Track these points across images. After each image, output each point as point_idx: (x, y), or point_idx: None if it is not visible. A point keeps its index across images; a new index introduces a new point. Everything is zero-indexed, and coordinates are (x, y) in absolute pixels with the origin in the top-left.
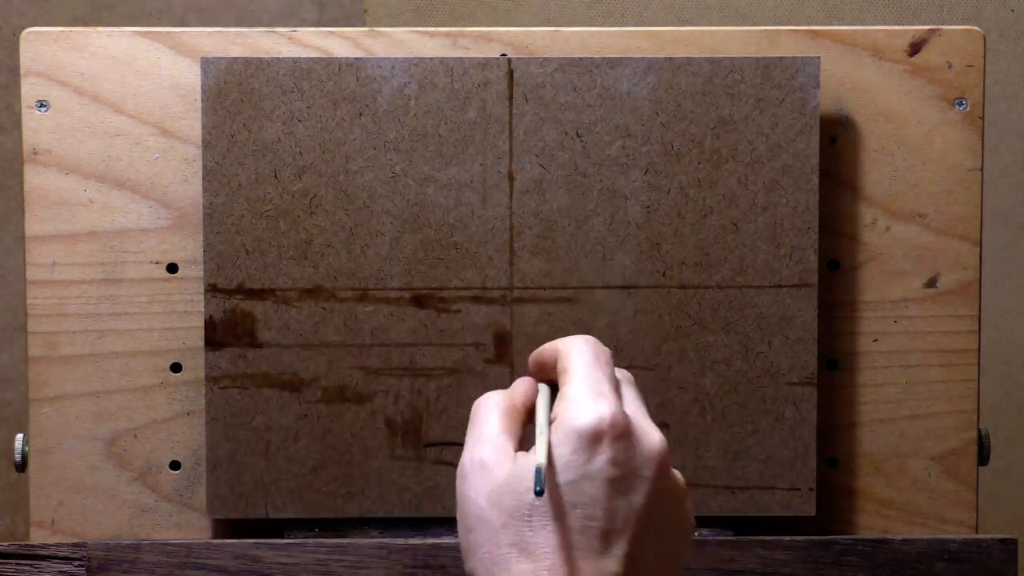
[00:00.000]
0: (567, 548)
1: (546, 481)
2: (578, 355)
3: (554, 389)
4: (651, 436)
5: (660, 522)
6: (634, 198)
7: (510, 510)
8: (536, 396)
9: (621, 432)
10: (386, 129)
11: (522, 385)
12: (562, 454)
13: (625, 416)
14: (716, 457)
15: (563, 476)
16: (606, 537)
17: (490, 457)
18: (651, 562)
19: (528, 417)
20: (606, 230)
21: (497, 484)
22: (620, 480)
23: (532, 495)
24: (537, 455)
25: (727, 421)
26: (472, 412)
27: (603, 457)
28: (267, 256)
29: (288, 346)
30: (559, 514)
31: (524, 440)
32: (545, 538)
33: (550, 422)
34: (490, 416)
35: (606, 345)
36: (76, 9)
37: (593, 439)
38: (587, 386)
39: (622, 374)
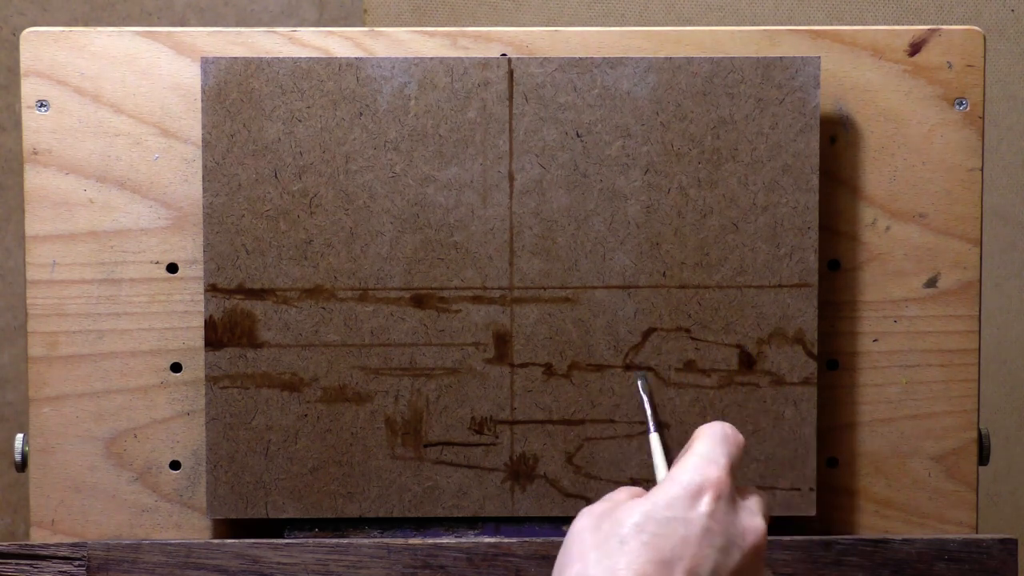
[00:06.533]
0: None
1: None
2: (708, 432)
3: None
4: (755, 518)
5: None
6: (634, 198)
7: (606, 534)
8: None
9: (722, 494)
10: (386, 129)
11: None
12: (666, 496)
13: (730, 485)
14: None
15: (662, 514)
16: None
17: (604, 509)
18: None
19: None
20: (606, 230)
21: (598, 516)
22: (715, 536)
23: (629, 527)
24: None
25: (727, 421)
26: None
27: (703, 510)
28: (267, 256)
29: (288, 346)
30: (652, 545)
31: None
32: (631, 560)
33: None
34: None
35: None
36: (76, 9)
37: (696, 493)
38: (704, 454)
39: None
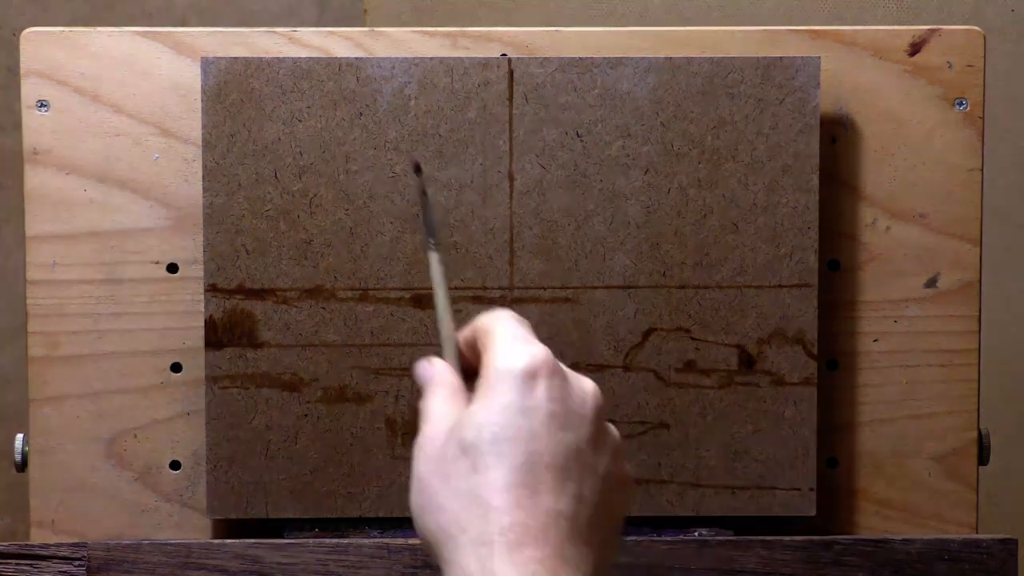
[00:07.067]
0: (516, 487)
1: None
2: (499, 318)
3: (470, 377)
4: (583, 380)
5: (602, 468)
6: (634, 198)
7: (453, 457)
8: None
9: (554, 370)
10: (386, 129)
11: (445, 368)
12: (502, 394)
13: (552, 357)
14: (716, 457)
15: (503, 416)
16: (553, 472)
17: (438, 444)
18: (593, 510)
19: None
20: (606, 230)
21: (437, 456)
22: (560, 416)
23: (474, 449)
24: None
25: (727, 421)
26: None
27: (541, 393)
28: (267, 256)
29: (288, 346)
30: (502, 452)
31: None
32: (492, 478)
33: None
34: (435, 404)
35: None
36: (76, 9)
37: (529, 376)
38: (514, 337)
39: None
